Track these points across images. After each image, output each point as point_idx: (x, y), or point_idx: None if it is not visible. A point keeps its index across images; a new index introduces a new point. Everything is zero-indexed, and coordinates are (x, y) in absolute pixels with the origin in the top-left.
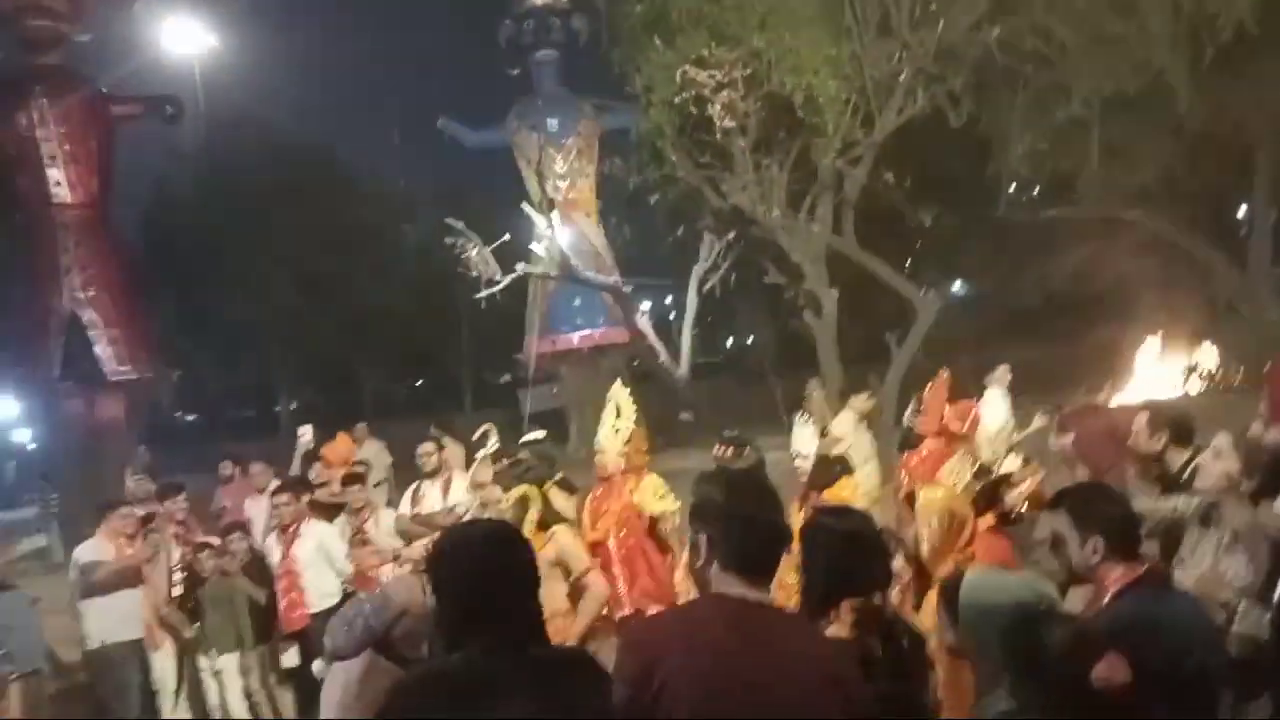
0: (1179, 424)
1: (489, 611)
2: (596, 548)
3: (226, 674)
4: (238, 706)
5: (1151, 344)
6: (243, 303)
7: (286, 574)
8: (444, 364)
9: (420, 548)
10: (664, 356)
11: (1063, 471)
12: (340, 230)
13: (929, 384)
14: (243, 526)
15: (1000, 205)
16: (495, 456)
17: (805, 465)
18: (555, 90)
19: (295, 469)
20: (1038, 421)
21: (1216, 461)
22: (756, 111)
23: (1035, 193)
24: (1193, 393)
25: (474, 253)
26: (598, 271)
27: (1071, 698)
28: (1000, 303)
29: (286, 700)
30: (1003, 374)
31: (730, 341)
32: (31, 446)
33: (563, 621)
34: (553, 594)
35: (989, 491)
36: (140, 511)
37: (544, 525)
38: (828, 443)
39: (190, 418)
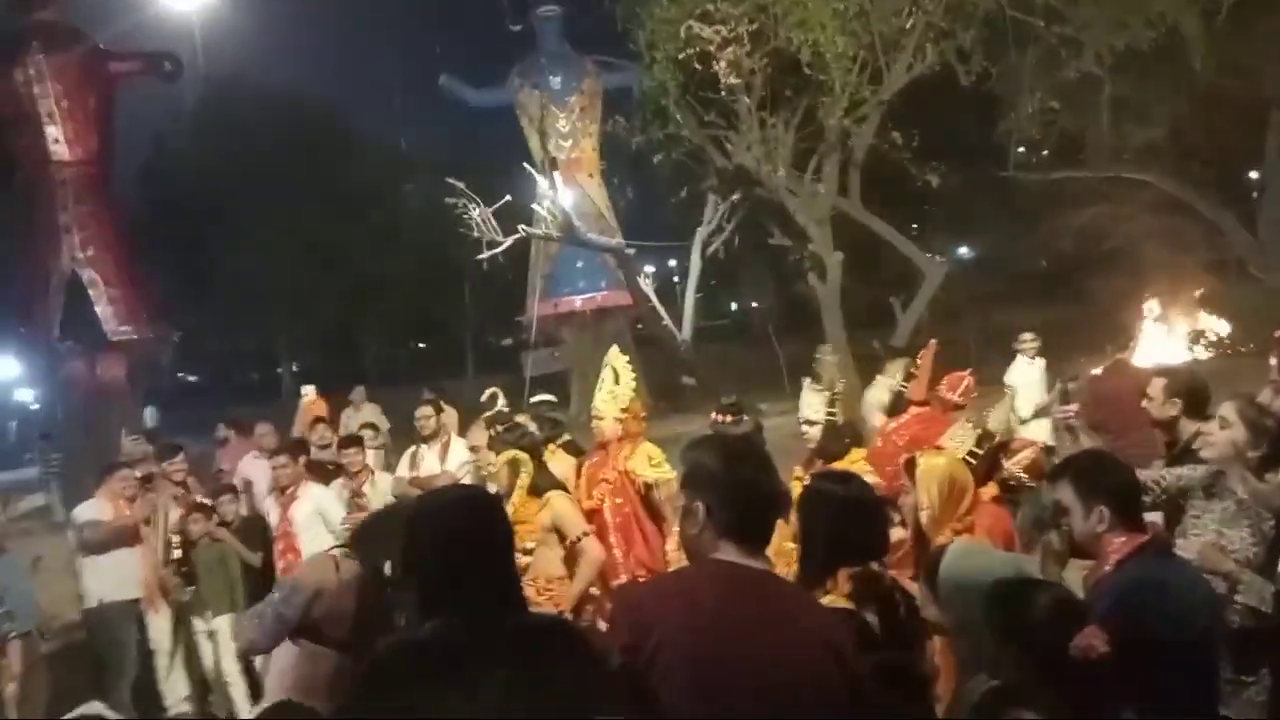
0: (1195, 392)
1: (463, 580)
2: (592, 514)
3: (221, 636)
4: (232, 669)
5: (1152, 307)
6: (243, 264)
7: (284, 536)
8: (446, 327)
9: None
10: (667, 320)
11: (1065, 441)
12: (341, 191)
13: (919, 351)
14: (233, 489)
15: (1009, 166)
16: (490, 421)
17: (813, 433)
18: (558, 47)
19: (297, 431)
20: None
21: (1222, 430)
22: (762, 69)
23: (1044, 153)
24: (1201, 358)
25: (475, 214)
26: (600, 233)
27: (1054, 669)
28: (1007, 265)
29: None
30: (1030, 340)
31: (734, 305)
32: (34, 407)
33: (558, 587)
34: (548, 559)
35: (988, 460)
36: (140, 472)
37: (539, 490)
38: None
39: (192, 379)
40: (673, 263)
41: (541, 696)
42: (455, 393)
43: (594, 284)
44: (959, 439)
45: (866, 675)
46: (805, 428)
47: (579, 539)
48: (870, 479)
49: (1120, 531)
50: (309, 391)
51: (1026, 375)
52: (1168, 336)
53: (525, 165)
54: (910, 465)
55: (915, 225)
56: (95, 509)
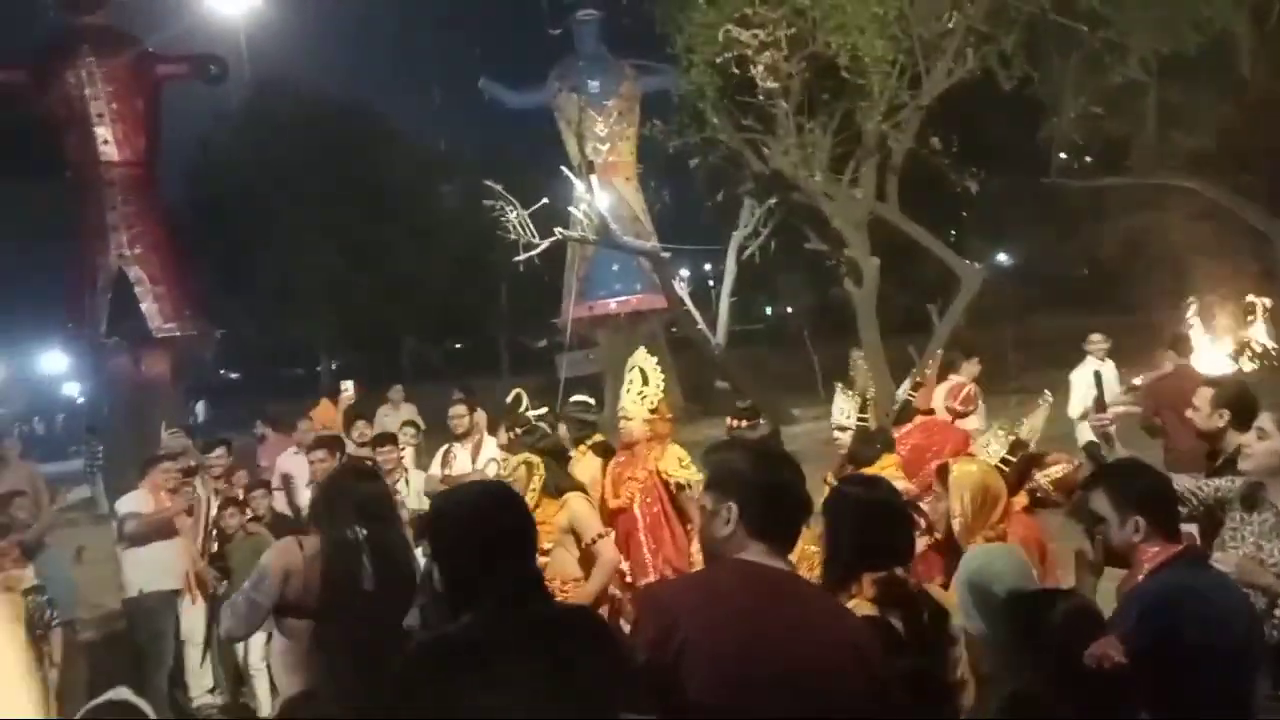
0: (1244, 404)
1: (491, 574)
2: (621, 515)
3: None
4: (258, 663)
5: (1192, 316)
6: (284, 262)
7: None
8: (482, 328)
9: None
10: (701, 324)
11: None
12: (380, 191)
13: (925, 360)
14: (265, 484)
15: (1051, 172)
16: (509, 424)
17: (845, 438)
18: (596, 51)
19: (337, 426)
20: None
21: (1261, 441)
22: (800, 73)
23: (1087, 159)
24: (1245, 369)
25: (512, 216)
26: (636, 236)
27: (1072, 677)
28: (1046, 272)
29: None
30: (1099, 341)
31: (769, 310)
32: (79, 400)
33: (574, 588)
34: (565, 561)
35: (1020, 469)
36: (182, 465)
37: (557, 492)
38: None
39: (234, 376)
40: (708, 266)
41: (571, 685)
42: (489, 393)
43: (629, 287)
44: (988, 447)
45: (892, 681)
46: (837, 433)
47: (594, 541)
48: (900, 485)
49: (1155, 541)
50: (348, 387)
51: (1088, 378)
52: (1212, 346)
53: (562, 168)
54: (943, 472)
55: (954, 231)
56: (136, 501)
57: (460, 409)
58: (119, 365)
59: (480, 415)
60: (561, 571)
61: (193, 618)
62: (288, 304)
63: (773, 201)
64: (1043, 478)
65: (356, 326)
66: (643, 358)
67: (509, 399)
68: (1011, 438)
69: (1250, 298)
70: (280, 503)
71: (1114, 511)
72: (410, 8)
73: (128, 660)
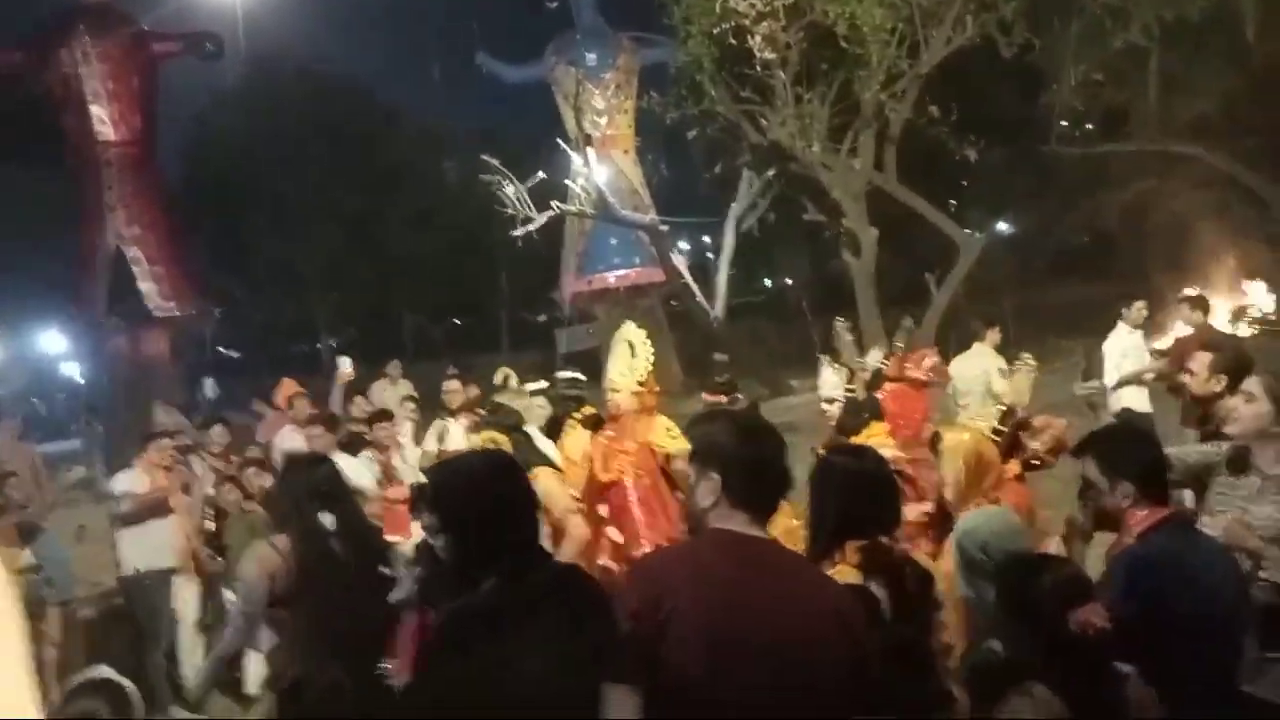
0: (1241, 369)
1: (504, 540)
2: (612, 488)
3: None
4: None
5: (1188, 291)
6: (283, 240)
7: None
8: (481, 303)
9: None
10: (700, 297)
11: (1087, 418)
12: (379, 167)
13: (900, 330)
14: (259, 462)
15: (1051, 139)
16: (472, 403)
17: (833, 410)
18: (594, 23)
19: (335, 402)
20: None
21: (1248, 405)
22: (798, 43)
23: (1087, 126)
24: (1242, 334)
25: (509, 190)
26: (635, 210)
27: (1060, 643)
28: (1048, 241)
29: None
30: (1137, 310)
31: (768, 282)
32: (80, 380)
33: None
34: None
35: (1010, 437)
36: (176, 443)
37: (526, 468)
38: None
39: (234, 354)
40: (707, 239)
41: (584, 639)
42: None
43: (628, 261)
44: (980, 415)
45: (874, 648)
46: (825, 406)
47: (562, 517)
48: (888, 453)
49: (1144, 506)
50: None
51: (1126, 342)
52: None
53: (560, 141)
54: (935, 440)
55: (953, 201)
56: (131, 480)
57: (454, 384)
58: (117, 345)
59: (475, 391)
60: None
61: (184, 597)
62: (286, 282)
63: (771, 173)
64: (1036, 443)
65: (356, 304)
66: (631, 330)
67: (497, 379)
68: (1001, 408)
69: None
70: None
71: (1103, 477)
72: None
73: (126, 638)
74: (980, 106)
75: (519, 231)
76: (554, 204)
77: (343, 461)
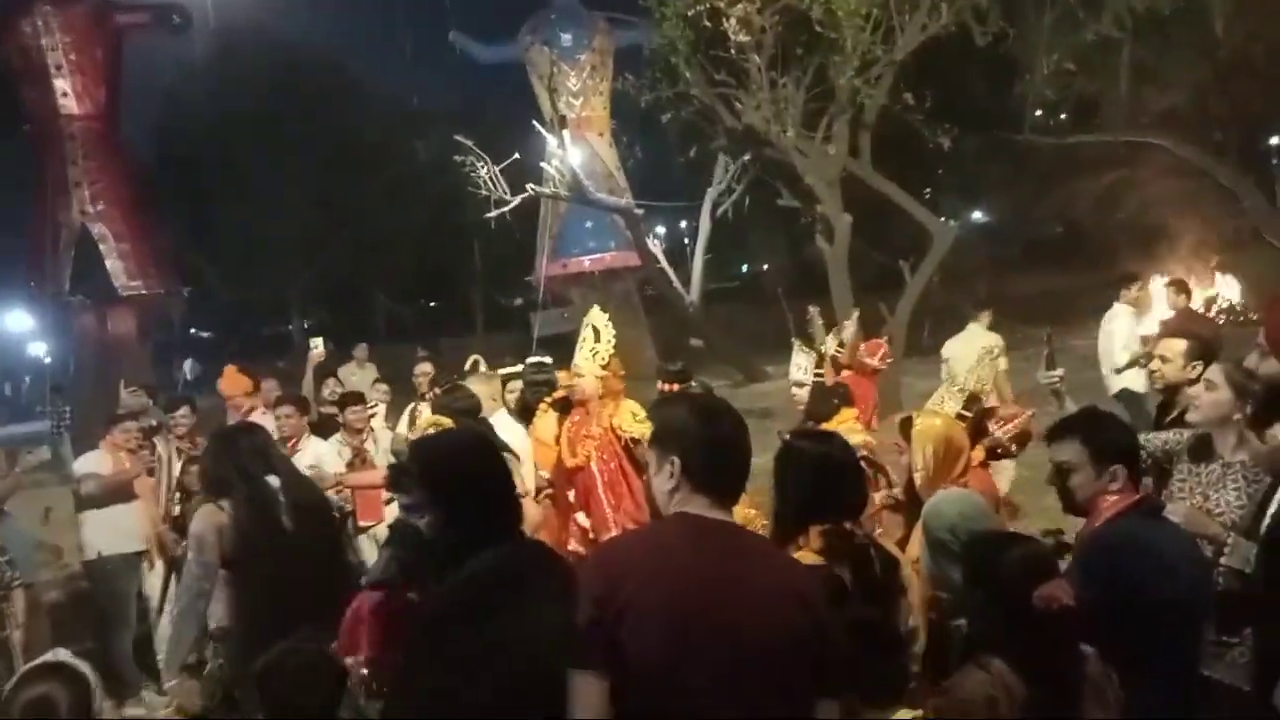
0: (1211, 357)
1: (492, 513)
2: (579, 473)
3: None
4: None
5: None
6: (254, 218)
7: None
8: (456, 286)
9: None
10: (675, 281)
11: (1052, 406)
12: (351, 146)
13: (847, 318)
14: None
15: (1024, 129)
16: (431, 384)
17: (801, 394)
18: (569, 4)
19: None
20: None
21: (1209, 393)
22: (773, 26)
23: (1061, 116)
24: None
25: (483, 172)
26: (610, 193)
27: (1023, 619)
28: (1019, 230)
29: None
30: (1136, 291)
31: (744, 267)
32: (46, 361)
33: None
34: None
35: (974, 424)
36: (139, 425)
37: None
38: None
39: (204, 334)
40: (683, 224)
41: (553, 604)
42: (465, 351)
43: (603, 244)
44: (944, 400)
45: (839, 631)
46: (795, 389)
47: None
48: (857, 439)
49: (1117, 490)
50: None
51: (1128, 325)
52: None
53: (534, 123)
54: (906, 425)
55: (927, 189)
56: (94, 461)
57: (426, 366)
58: (84, 324)
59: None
60: None
61: (151, 582)
62: (258, 260)
63: (746, 158)
64: (1001, 433)
65: (328, 284)
66: (595, 315)
67: (467, 365)
68: (965, 394)
69: (1217, 259)
70: None
71: (1090, 461)
72: None
73: (92, 621)
74: (955, 95)
75: (493, 213)
76: (529, 186)
77: (315, 445)
